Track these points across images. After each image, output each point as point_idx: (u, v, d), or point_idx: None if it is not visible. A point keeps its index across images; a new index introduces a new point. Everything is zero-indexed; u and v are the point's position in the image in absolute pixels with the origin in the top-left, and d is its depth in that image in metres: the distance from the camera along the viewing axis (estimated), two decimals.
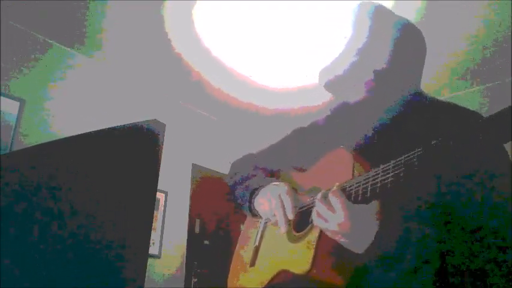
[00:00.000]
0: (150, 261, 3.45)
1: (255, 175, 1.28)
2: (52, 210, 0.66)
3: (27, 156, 0.72)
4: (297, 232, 1.07)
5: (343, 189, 0.92)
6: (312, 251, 0.95)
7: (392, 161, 0.84)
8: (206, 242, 4.07)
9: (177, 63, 3.56)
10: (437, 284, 0.82)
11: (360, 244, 0.87)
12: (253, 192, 1.23)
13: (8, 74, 3.05)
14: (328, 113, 1.20)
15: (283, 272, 1.04)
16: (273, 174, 1.29)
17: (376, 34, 1.03)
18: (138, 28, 3.18)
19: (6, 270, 0.63)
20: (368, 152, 1.00)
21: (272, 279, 1.08)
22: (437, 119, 0.95)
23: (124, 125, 0.70)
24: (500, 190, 0.86)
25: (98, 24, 3.16)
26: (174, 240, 3.77)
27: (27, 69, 3.19)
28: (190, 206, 4.01)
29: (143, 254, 0.66)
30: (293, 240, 1.06)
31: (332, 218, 0.89)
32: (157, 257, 3.61)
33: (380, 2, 1.11)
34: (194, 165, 4.15)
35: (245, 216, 1.35)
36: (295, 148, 1.26)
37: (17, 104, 3.06)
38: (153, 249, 3.58)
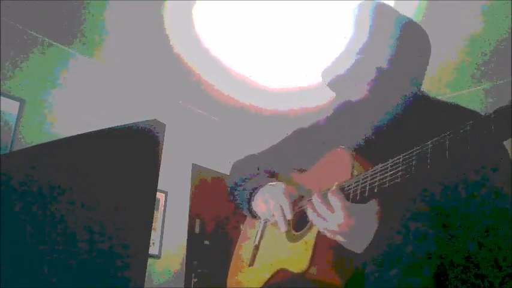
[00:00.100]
0: (150, 261, 3.45)
1: (256, 176, 1.29)
2: (52, 210, 0.66)
3: (27, 156, 0.72)
4: (296, 231, 1.07)
5: (341, 189, 0.92)
6: (310, 250, 0.95)
7: (390, 160, 0.84)
8: (206, 242, 4.07)
9: (177, 63, 3.56)
10: (437, 283, 0.82)
11: (359, 244, 0.87)
12: (252, 193, 1.23)
13: (8, 74, 3.05)
14: (329, 113, 1.20)
15: (282, 271, 1.05)
16: (274, 175, 1.30)
17: (378, 32, 1.02)
18: (138, 28, 3.18)
19: (6, 270, 0.63)
20: (368, 151, 1.00)
21: (270, 278, 1.08)
22: (438, 118, 0.95)
23: (124, 125, 0.70)
24: (500, 188, 0.86)
25: (98, 24, 3.16)
26: (174, 240, 3.77)
27: (28, 69, 3.19)
28: (190, 206, 4.01)
29: (143, 254, 0.66)
30: (292, 239, 1.07)
31: (331, 217, 0.89)
32: (157, 257, 3.61)
33: (381, 2, 1.11)
34: (194, 165, 4.15)
35: (245, 216, 1.35)
36: (296, 149, 1.26)
37: (17, 104, 3.06)
38: (153, 249, 3.58)
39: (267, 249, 1.18)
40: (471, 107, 0.98)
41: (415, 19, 1.06)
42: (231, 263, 1.31)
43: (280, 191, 1.12)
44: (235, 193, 1.32)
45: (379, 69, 1.00)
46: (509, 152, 0.91)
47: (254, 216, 1.25)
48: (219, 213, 4.17)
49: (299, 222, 1.09)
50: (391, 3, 1.12)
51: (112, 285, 0.63)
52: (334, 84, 1.09)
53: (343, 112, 1.14)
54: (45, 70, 3.28)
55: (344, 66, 1.04)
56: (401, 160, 0.83)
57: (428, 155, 0.77)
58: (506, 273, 0.81)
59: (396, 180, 0.82)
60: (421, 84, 1.07)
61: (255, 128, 4.54)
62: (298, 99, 3.93)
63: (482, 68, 3.53)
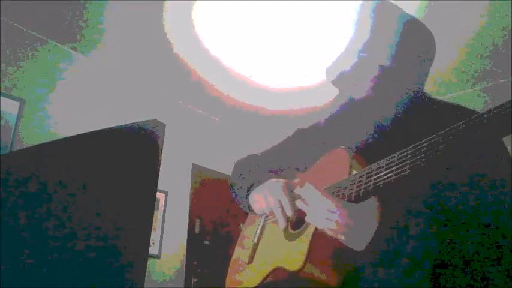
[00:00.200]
0: (150, 261, 3.45)
1: (256, 174, 1.29)
2: (52, 210, 0.66)
3: (27, 156, 0.72)
4: (294, 230, 1.07)
5: (337, 188, 0.93)
6: (306, 249, 0.96)
7: (385, 159, 0.84)
8: (206, 242, 4.07)
9: (177, 63, 3.56)
10: (436, 282, 0.82)
11: (359, 242, 0.87)
12: (250, 188, 1.23)
13: (8, 74, 3.05)
14: (330, 112, 1.20)
15: (278, 270, 1.05)
16: (276, 175, 1.30)
17: (381, 30, 1.02)
18: (138, 28, 3.18)
19: (7, 270, 0.63)
20: (368, 151, 1.00)
21: (267, 276, 1.09)
22: (439, 119, 0.95)
23: (124, 125, 0.70)
24: (500, 187, 0.86)
25: (98, 24, 3.16)
26: (174, 240, 3.77)
27: (28, 69, 3.19)
28: (190, 206, 4.01)
29: (143, 254, 0.66)
30: (289, 238, 1.08)
31: (331, 216, 0.89)
32: (157, 257, 3.61)
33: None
34: (194, 165, 4.15)
35: (245, 216, 1.35)
36: (297, 149, 1.26)
37: (17, 104, 3.06)
38: (153, 249, 3.58)
39: (265, 248, 1.18)
40: (471, 107, 0.98)
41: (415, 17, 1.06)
42: (231, 261, 1.31)
43: (279, 187, 1.13)
44: (235, 190, 1.33)
45: (382, 67, 1.00)
46: (509, 150, 0.91)
47: (251, 211, 1.26)
48: (219, 213, 4.17)
49: (297, 221, 1.10)
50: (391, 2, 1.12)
51: (112, 285, 0.63)
52: (338, 81, 1.08)
53: (345, 111, 1.14)
54: (45, 70, 3.29)
55: (348, 64, 1.04)
56: (396, 159, 0.83)
57: (424, 154, 0.77)
58: (506, 272, 0.81)
59: (391, 179, 0.83)
60: (423, 84, 1.06)
61: (255, 128, 4.54)
62: (298, 99, 3.93)
63: (482, 68, 3.53)
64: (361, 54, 1.01)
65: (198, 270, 3.88)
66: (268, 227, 1.22)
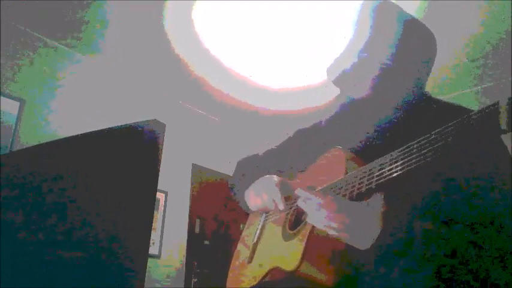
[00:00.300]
0: (150, 261, 3.45)
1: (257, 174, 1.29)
2: (52, 210, 0.66)
3: (27, 156, 0.72)
4: (292, 230, 1.08)
5: (332, 188, 0.93)
6: (302, 249, 0.96)
7: (379, 159, 0.85)
8: (206, 242, 4.07)
9: (177, 63, 3.56)
10: (441, 280, 0.82)
11: (363, 240, 0.87)
12: (246, 186, 1.24)
13: (8, 74, 3.05)
14: (331, 112, 1.21)
15: (275, 269, 1.06)
16: (278, 175, 1.30)
17: (381, 30, 1.02)
18: (138, 28, 3.18)
19: (7, 270, 0.63)
20: (367, 151, 1.00)
21: (265, 275, 1.10)
22: (440, 119, 0.95)
23: (124, 125, 0.70)
24: (501, 185, 0.86)
25: (98, 24, 3.16)
26: (174, 240, 3.77)
27: (28, 69, 3.19)
28: (190, 206, 4.01)
29: (143, 254, 0.66)
30: (286, 238, 1.08)
31: (316, 213, 0.89)
32: (157, 257, 3.61)
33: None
34: (194, 165, 4.15)
35: (245, 216, 1.36)
36: (298, 149, 1.26)
37: (17, 104, 3.06)
38: (153, 249, 3.58)
39: (264, 247, 1.19)
40: (471, 107, 0.98)
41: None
42: (232, 260, 1.32)
43: (272, 184, 1.14)
44: (235, 190, 1.34)
45: (383, 68, 1.00)
46: (509, 149, 0.91)
47: (248, 208, 1.27)
48: (219, 213, 4.17)
49: (295, 221, 1.10)
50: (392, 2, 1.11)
51: (112, 285, 0.63)
52: (339, 81, 1.08)
53: (346, 111, 1.15)
54: (45, 70, 3.29)
55: (349, 63, 1.04)
56: (387, 161, 0.84)
57: (425, 150, 0.78)
58: (510, 271, 0.81)
59: (381, 181, 0.83)
60: (424, 84, 1.06)
61: (255, 128, 4.54)
62: (298, 99, 3.93)
63: (482, 68, 3.53)
64: (361, 54, 1.01)
65: (198, 270, 3.88)
66: (268, 226, 1.22)
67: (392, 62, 0.99)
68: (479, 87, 3.77)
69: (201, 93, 4.00)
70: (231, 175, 1.41)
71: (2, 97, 2.96)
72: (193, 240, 3.95)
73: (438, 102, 1.05)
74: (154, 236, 3.63)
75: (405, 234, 0.84)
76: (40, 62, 3.27)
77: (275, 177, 1.17)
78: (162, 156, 0.69)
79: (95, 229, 0.66)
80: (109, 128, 0.70)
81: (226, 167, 3.25)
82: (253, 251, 1.22)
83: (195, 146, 4.16)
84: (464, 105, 1.01)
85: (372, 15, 1.04)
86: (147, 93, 3.91)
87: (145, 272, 0.69)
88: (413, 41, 1.02)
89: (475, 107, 0.97)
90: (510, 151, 0.92)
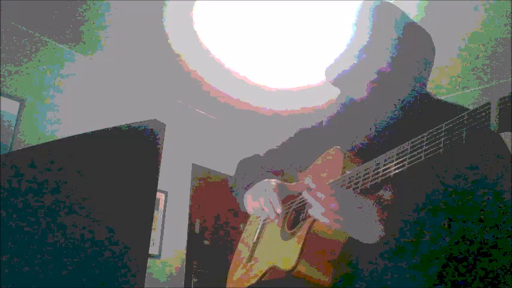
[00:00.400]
0: (150, 261, 3.46)
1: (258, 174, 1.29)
2: (52, 210, 0.66)
3: (27, 156, 0.72)
4: (290, 230, 1.08)
5: (339, 182, 0.93)
6: (299, 248, 0.96)
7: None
8: (206, 242, 4.07)
9: (177, 63, 3.56)
10: (446, 277, 0.82)
11: (367, 235, 0.87)
12: (248, 187, 1.24)
13: (8, 74, 3.05)
14: (331, 112, 1.21)
15: (273, 269, 1.07)
16: (279, 174, 1.31)
17: (380, 32, 1.02)
18: (138, 28, 3.18)
19: (7, 270, 0.63)
20: (367, 152, 1.00)
21: (263, 274, 1.10)
22: (439, 119, 0.95)
23: (124, 125, 0.70)
24: (501, 184, 0.86)
25: (98, 24, 3.16)
26: (174, 240, 3.77)
27: (27, 69, 3.19)
28: (190, 206, 4.01)
29: (143, 254, 0.66)
30: (285, 237, 1.08)
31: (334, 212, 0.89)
32: (157, 257, 3.61)
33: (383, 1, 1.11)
34: (194, 165, 4.15)
35: (245, 216, 1.36)
36: (299, 148, 1.27)
37: (17, 104, 3.06)
38: (153, 249, 3.58)
39: (263, 247, 1.20)
40: (471, 107, 0.98)
41: (415, 19, 1.06)
42: (232, 259, 1.33)
43: (270, 187, 1.14)
44: (235, 190, 1.34)
45: (381, 70, 1.00)
46: (508, 147, 0.91)
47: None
48: (219, 213, 4.17)
49: (295, 221, 1.10)
50: (392, 3, 1.11)
51: (112, 285, 0.63)
52: (337, 82, 1.09)
53: (346, 112, 1.15)
54: (45, 70, 3.29)
55: (347, 64, 1.04)
56: (381, 162, 0.84)
57: (422, 150, 0.78)
58: None
59: (376, 181, 0.84)
60: (425, 85, 1.06)
61: (255, 128, 4.54)
62: (299, 99, 3.93)
63: (482, 68, 3.53)
64: (360, 56, 1.01)
65: (198, 270, 3.88)
66: (268, 226, 1.23)
67: (391, 64, 0.99)
68: (479, 87, 3.77)
69: (201, 93, 4.00)
70: (231, 175, 1.41)
71: (2, 97, 2.96)
72: (193, 240, 3.95)
73: (438, 101, 1.05)
74: (154, 236, 3.63)
75: (412, 232, 0.84)
76: (40, 62, 3.27)
77: (273, 182, 1.17)
78: (162, 156, 0.69)
79: (95, 229, 0.66)
80: (109, 128, 0.70)
81: (226, 167, 3.25)
82: (253, 251, 1.23)
83: (195, 146, 4.16)
84: (464, 105, 1.01)
85: (371, 18, 1.04)
86: (147, 93, 3.91)
87: (145, 272, 0.69)
88: (412, 45, 1.02)
89: (475, 107, 0.97)
90: (510, 149, 0.92)
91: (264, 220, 1.26)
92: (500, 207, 0.85)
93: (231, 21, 3.09)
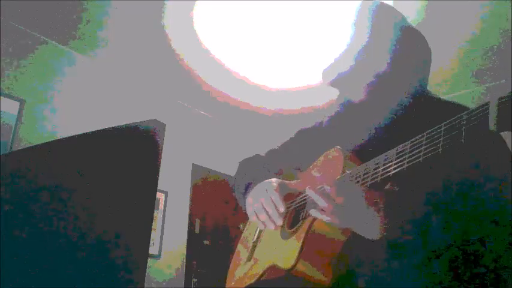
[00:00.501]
0: (150, 261, 3.46)
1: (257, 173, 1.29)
2: (52, 210, 0.66)
3: (27, 156, 0.72)
4: (290, 229, 1.08)
5: (345, 179, 0.93)
6: (299, 248, 0.96)
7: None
8: (206, 242, 4.07)
9: (177, 63, 3.56)
10: (451, 274, 0.82)
11: (370, 231, 0.87)
12: (247, 190, 1.24)
13: (8, 74, 3.05)
14: (331, 113, 1.21)
15: (273, 268, 1.06)
16: (279, 174, 1.30)
17: (378, 32, 1.03)
18: (138, 28, 3.18)
19: (7, 270, 0.63)
20: (365, 151, 1.00)
21: (263, 273, 1.10)
22: (439, 117, 0.95)
23: (124, 125, 0.70)
24: (502, 183, 0.86)
25: (98, 23, 3.16)
26: (174, 240, 3.77)
27: (28, 69, 3.19)
28: (190, 206, 4.01)
29: (143, 254, 0.66)
30: (285, 236, 1.08)
31: (336, 209, 0.89)
32: (157, 257, 3.61)
33: (381, 2, 1.11)
34: (194, 165, 4.15)
35: (245, 216, 1.36)
36: (299, 149, 1.27)
37: (17, 104, 3.06)
38: (153, 249, 3.58)
39: (263, 246, 1.20)
40: (471, 107, 0.98)
41: (414, 19, 1.07)
42: (232, 259, 1.33)
43: (271, 187, 1.13)
44: (235, 190, 1.34)
45: (379, 72, 1.00)
46: (508, 146, 0.91)
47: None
48: (219, 213, 4.17)
49: (294, 220, 1.11)
50: (391, 3, 1.12)
51: (112, 285, 0.63)
52: (334, 84, 1.10)
53: (345, 112, 1.15)
54: (45, 70, 3.29)
55: (345, 66, 1.05)
56: (381, 162, 0.85)
57: (422, 149, 0.78)
58: None
59: (376, 180, 0.84)
60: (424, 84, 1.07)
61: (255, 128, 4.54)
62: (299, 99, 3.93)
63: (482, 68, 3.53)
64: (358, 58, 1.02)
65: (198, 270, 3.88)
66: None
67: (390, 64, 1.00)
68: (479, 87, 3.77)
69: (201, 93, 4.00)
70: (231, 175, 1.41)
71: (2, 97, 2.96)
72: (193, 240, 3.95)
73: (437, 100, 1.05)
74: (154, 236, 3.63)
75: (412, 230, 0.85)
76: (40, 62, 3.27)
77: (274, 182, 1.16)
78: (162, 156, 0.69)
79: (95, 229, 0.66)
80: (109, 128, 0.70)
81: (226, 167, 3.25)
82: (253, 250, 1.23)
83: (195, 146, 4.16)
84: (464, 104, 1.01)
85: (371, 19, 1.04)
86: (147, 93, 3.91)
87: (145, 272, 0.69)
88: (411, 44, 1.03)
89: (474, 106, 0.97)
90: (510, 148, 0.92)
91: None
92: (500, 206, 0.85)
93: (231, 21, 3.09)
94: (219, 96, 4.03)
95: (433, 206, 0.87)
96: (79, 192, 0.67)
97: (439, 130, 0.76)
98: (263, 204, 1.13)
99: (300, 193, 1.13)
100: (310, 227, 0.97)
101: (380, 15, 1.06)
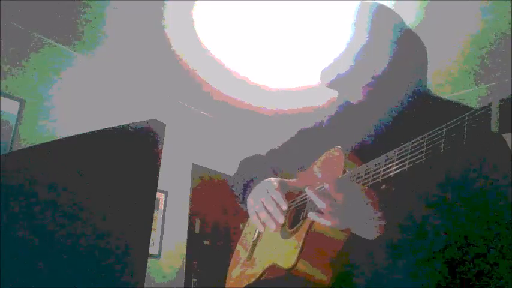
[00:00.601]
0: (150, 261, 3.45)
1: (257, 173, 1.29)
2: (52, 210, 0.66)
3: (27, 156, 0.72)
4: (290, 228, 1.08)
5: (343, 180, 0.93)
6: (299, 247, 0.96)
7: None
8: (206, 242, 4.07)
9: (177, 63, 3.56)
10: (448, 274, 0.82)
11: (368, 231, 0.87)
12: (246, 188, 1.24)
13: (8, 74, 3.05)
14: (331, 113, 1.21)
15: (273, 267, 1.07)
16: (278, 174, 1.31)
17: (377, 34, 1.03)
18: (138, 28, 3.18)
19: (7, 270, 0.63)
20: (365, 151, 1.00)
21: (263, 272, 1.10)
22: (438, 117, 0.95)
23: (124, 125, 0.70)
24: (502, 183, 0.87)
25: (97, 23, 3.16)
26: (174, 240, 3.77)
27: (28, 69, 3.19)
28: (190, 206, 4.01)
29: (143, 254, 0.66)
30: (285, 235, 1.08)
31: (336, 210, 0.89)
32: (157, 257, 3.61)
33: (381, 3, 1.11)
34: (194, 165, 4.15)
35: (245, 215, 1.36)
36: (300, 148, 1.27)
37: (17, 104, 3.06)
38: (153, 249, 3.58)
39: (263, 245, 1.20)
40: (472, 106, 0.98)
41: (415, 20, 1.07)
42: (232, 258, 1.33)
43: (272, 187, 1.13)
44: (235, 189, 1.34)
45: (377, 73, 1.01)
46: (509, 147, 0.91)
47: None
48: (219, 213, 4.17)
49: (294, 220, 1.11)
50: (392, 3, 1.12)
51: (112, 285, 0.63)
52: (332, 85, 1.10)
53: (346, 112, 1.15)
54: (45, 70, 3.28)
55: (343, 68, 1.05)
56: (382, 162, 0.85)
57: (423, 149, 0.78)
58: None
59: (377, 180, 0.84)
60: (424, 84, 1.07)
61: (256, 128, 4.54)
62: (299, 99, 3.93)
63: (483, 68, 3.53)
64: (358, 56, 1.02)
65: (198, 270, 3.88)
66: None
67: (387, 67, 1.00)
68: (479, 87, 3.77)
69: (201, 93, 4.00)
70: (231, 175, 1.41)
71: (2, 97, 2.96)
72: (193, 240, 3.95)
73: (438, 100, 1.06)
74: (154, 236, 3.63)
75: (412, 228, 0.85)
76: (40, 62, 3.27)
77: (274, 182, 1.16)
78: (162, 156, 0.69)
79: (95, 229, 0.66)
80: (109, 128, 0.70)
81: (226, 167, 3.25)
82: (253, 249, 1.23)
83: (195, 146, 4.16)
84: (464, 103, 1.01)
85: (370, 19, 1.05)
86: (147, 93, 3.91)
87: (145, 272, 0.69)
88: (410, 45, 1.03)
89: (475, 106, 0.97)
90: (511, 149, 0.92)
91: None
92: (500, 206, 0.85)
93: (231, 21, 3.09)
94: (219, 96, 4.03)
95: (431, 206, 0.87)
96: (79, 192, 0.67)
97: (440, 131, 0.76)
98: (264, 204, 1.12)
99: (300, 192, 1.13)
100: (310, 226, 0.97)
101: (380, 16, 1.06)
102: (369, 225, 0.87)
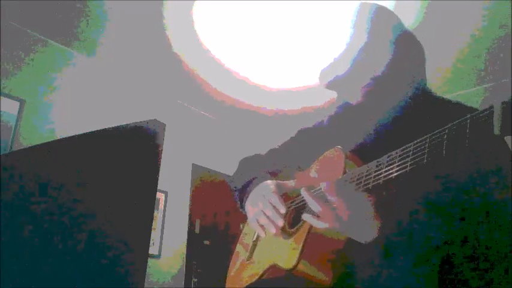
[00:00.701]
0: (150, 261, 3.46)
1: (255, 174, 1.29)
2: (52, 210, 0.66)
3: (27, 156, 0.72)
4: (291, 229, 1.08)
5: (341, 183, 0.93)
6: (300, 248, 0.96)
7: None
8: (206, 242, 4.07)
9: (177, 63, 3.56)
10: (443, 275, 0.82)
11: (364, 234, 0.87)
12: (244, 190, 1.24)
13: (8, 74, 3.05)
14: (331, 113, 1.21)
15: (274, 267, 1.07)
16: (276, 174, 1.31)
17: (376, 35, 1.03)
18: (138, 28, 3.18)
19: (7, 270, 0.63)
20: (365, 151, 1.00)
21: (263, 273, 1.10)
22: (439, 117, 0.96)
23: (124, 125, 0.70)
24: (503, 182, 0.87)
25: (97, 23, 3.16)
26: (174, 240, 3.77)
27: (27, 69, 3.19)
28: (190, 206, 4.01)
29: (143, 254, 0.66)
30: (285, 236, 1.08)
31: (334, 212, 0.89)
32: (157, 257, 3.61)
33: (381, 3, 1.11)
34: (194, 165, 4.15)
35: (245, 215, 1.36)
36: (300, 148, 1.27)
37: (17, 104, 3.06)
38: (153, 249, 3.58)
39: (263, 245, 1.20)
40: (473, 106, 0.99)
41: (415, 20, 1.07)
42: (231, 258, 1.33)
43: (269, 191, 1.13)
44: (233, 189, 1.35)
45: (377, 72, 1.01)
46: (510, 149, 0.91)
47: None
48: (219, 213, 4.17)
49: (294, 220, 1.11)
50: (392, 4, 1.12)
51: (112, 285, 0.63)
52: (331, 86, 1.10)
53: (346, 113, 1.15)
54: (45, 70, 3.29)
55: (342, 68, 1.05)
56: (383, 163, 0.84)
57: (427, 148, 0.78)
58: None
59: (378, 182, 0.84)
60: (424, 84, 1.07)
61: (255, 128, 4.54)
62: (299, 99, 3.93)
63: (483, 68, 3.53)
64: (357, 56, 1.02)
65: (198, 270, 3.88)
66: None
67: (387, 68, 1.00)
68: (479, 87, 3.77)
69: (201, 93, 4.00)
70: (231, 175, 1.41)
71: (2, 97, 2.96)
72: (193, 240, 3.95)
73: (438, 100, 1.06)
74: (154, 236, 3.63)
75: (409, 229, 0.85)
76: (40, 62, 3.27)
77: (271, 185, 1.16)
78: (162, 156, 0.69)
79: (95, 229, 0.66)
80: (109, 128, 0.70)
81: (226, 167, 3.25)
82: (253, 249, 1.23)
83: (195, 146, 4.16)
84: (465, 103, 1.01)
85: (369, 22, 1.05)
86: (147, 93, 3.91)
87: (145, 272, 0.69)
88: (409, 46, 1.03)
89: (475, 107, 0.97)
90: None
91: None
92: (501, 209, 0.85)
93: (231, 21, 3.09)
94: (219, 96, 4.03)
95: (431, 207, 0.87)
96: (79, 192, 0.67)
97: (442, 133, 0.76)
98: (262, 209, 1.13)
99: (299, 193, 1.13)
100: (310, 227, 0.97)
101: (379, 16, 1.06)
102: (366, 227, 0.87)
